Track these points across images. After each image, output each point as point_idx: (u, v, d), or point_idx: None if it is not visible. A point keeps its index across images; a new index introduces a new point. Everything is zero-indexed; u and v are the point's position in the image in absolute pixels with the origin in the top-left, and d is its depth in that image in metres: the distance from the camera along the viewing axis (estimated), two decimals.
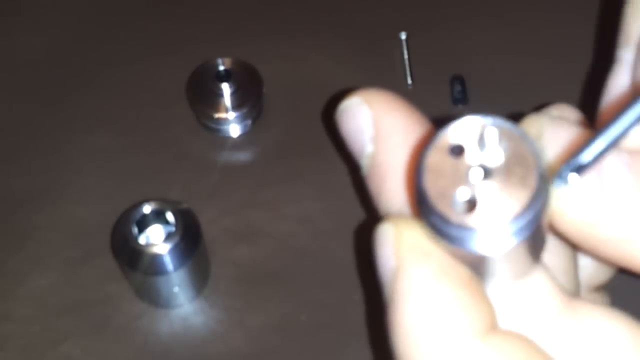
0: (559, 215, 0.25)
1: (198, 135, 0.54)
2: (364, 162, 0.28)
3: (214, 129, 0.54)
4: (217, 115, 0.53)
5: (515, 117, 0.26)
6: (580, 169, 0.23)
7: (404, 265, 0.24)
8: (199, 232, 0.47)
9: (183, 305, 0.49)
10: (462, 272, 0.24)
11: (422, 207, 0.24)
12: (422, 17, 0.59)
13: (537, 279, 0.26)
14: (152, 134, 0.55)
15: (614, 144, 0.23)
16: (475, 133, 0.24)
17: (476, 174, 0.24)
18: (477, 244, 0.23)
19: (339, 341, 0.48)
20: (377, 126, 0.27)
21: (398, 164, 0.27)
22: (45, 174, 0.53)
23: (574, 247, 0.28)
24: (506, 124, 0.24)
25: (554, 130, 0.25)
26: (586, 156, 0.23)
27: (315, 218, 0.51)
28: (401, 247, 0.25)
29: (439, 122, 0.25)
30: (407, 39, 0.57)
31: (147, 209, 0.46)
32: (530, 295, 0.26)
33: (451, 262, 0.24)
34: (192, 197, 0.50)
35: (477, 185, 0.23)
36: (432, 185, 0.24)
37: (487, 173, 0.24)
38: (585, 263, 0.34)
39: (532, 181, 0.23)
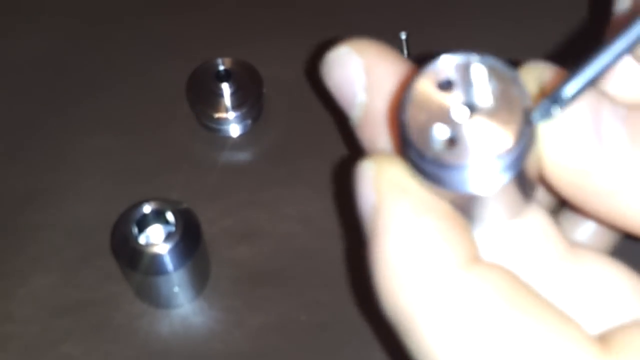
0: (551, 162, 0.24)
1: (198, 135, 0.54)
2: (355, 113, 0.27)
3: (214, 129, 0.54)
4: (217, 115, 0.53)
5: None
6: (563, 102, 0.23)
7: (383, 200, 0.24)
8: (199, 232, 0.47)
9: (183, 305, 0.49)
10: (443, 207, 0.24)
11: (403, 141, 0.24)
12: (422, 16, 0.59)
13: (536, 220, 0.25)
14: (152, 134, 0.54)
15: (596, 78, 0.22)
16: (465, 70, 0.24)
17: (461, 111, 0.23)
18: (455, 182, 0.23)
19: (339, 341, 0.48)
20: (370, 74, 0.27)
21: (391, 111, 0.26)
22: (46, 174, 0.53)
23: (564, 203, 0.27)
24: (497, 64, 0.24)
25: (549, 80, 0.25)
26: (569, 89, 0.23)
27: (315, 218, 0.51)
28: (381, 183, 0.24)
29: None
30: (407, 39, 0.57)
31: (147, 209, 0.46)
32: (529, 237, 0.25)
33: (432, 198, 0.24)
34: (192, 197, 0.50)
35: (460, 122, 0.23)
36: (413, 119, 0.23)
37: (473, 111, 0.23)
38: (583, 231, 0.34)
39: (517, 121, 0.23)
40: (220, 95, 0.53)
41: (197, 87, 0.54)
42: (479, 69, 0.23)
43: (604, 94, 0.24)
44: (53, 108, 0.56)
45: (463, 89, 0.24)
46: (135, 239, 0.45)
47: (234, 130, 0.54)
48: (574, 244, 0.26)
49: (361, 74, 0.27)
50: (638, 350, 0.23)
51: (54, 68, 0.57)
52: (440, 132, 0.23)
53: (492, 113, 0.23)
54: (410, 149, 0.23)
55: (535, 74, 0.25)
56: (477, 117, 0.23)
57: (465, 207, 0.24)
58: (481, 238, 0.25)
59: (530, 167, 0.24)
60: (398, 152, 0.25)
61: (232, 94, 0.54)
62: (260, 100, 0.54)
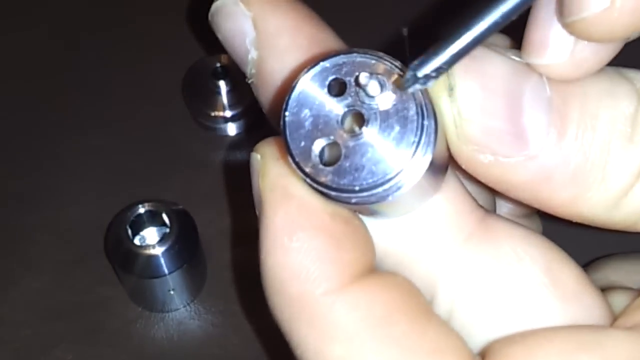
0: (467, 159, 0.23)
1: (194, 134, 0.54)
2: (249, 70, 0.25)
3: (210, 127, 0.54)
4: (213, 114, 0.53)
5: None
6: (435, 69, 0.21)
7: (264, 205, 0.23)
8: (195, 234, 0.46)
9: (178, 308, 0.48)
10: (324, 215, 0.22)
11: (286, 150, 0.22)
12: (424, 12, 0.58)
13: (445, 199, 0.24)
14: (147, 134, 0.54)
15: (468, 48, 0.21)
16: (361, 70, 0.22)
17: (351, 119, 0.22)
18: (342, 198, 0.22)
19: None
20: (259, 28, 0.25)
21: (288, 70, 0.24)
22: (38, 174, 0.53)
23: (493, 191, 0.26)
24: (392, 64, 0.22)
25: (464, 61, 0.23)
26: (438, 58, 0.21)
27: None
28: (265, 183, 0.23)
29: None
30: (408, 35, 0.56)
31: (141, 210, 0.46)
32: (435, 219, 0.24)
33: (314, 204, 0.23)
34: (187, 198, 0.50)
35: (349, 134, 0.21)
36: (296, 130, 0.22)
37: (364, 119, 0.22)
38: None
39: (411, 133, 0.21)
40: (217, 93, 0.53)
41: (193, 85, 0.53)
42: (370, 74, 0.22)
43: (527, 74, 0.23)
44: (45, 108, 0.55)
45: (353, 93, 0.22)
46: (130, 240, 0.45)
47: (231, 129, 0.54)
48: (487, 216, 0.24)
49: (250, 28, 0.25)
50: None
51: (46, 68, 0.57)
52: (325, 145, 0.22)
53: (383, 123, 0.21)
54: (291, 161, 0.22)
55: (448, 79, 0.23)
56: (368, 130, 0.21)
57: (359, 210, 0.23)
58: (384, 228, 0.24)
59: (438, 160, 0.22)
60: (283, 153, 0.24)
61: (229, 92, 0.53)
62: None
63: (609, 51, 0.23)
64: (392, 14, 0.58)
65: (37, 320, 0.48)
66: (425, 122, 0.21)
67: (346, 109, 0.22)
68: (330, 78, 0.22)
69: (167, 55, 0.57)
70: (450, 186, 0.24)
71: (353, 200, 0.22)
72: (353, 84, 0.22)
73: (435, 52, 0.21)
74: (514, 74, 0.23)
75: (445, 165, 0.24)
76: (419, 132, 0.21)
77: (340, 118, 0.22)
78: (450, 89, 0.22)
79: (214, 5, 0.26)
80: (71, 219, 0.51)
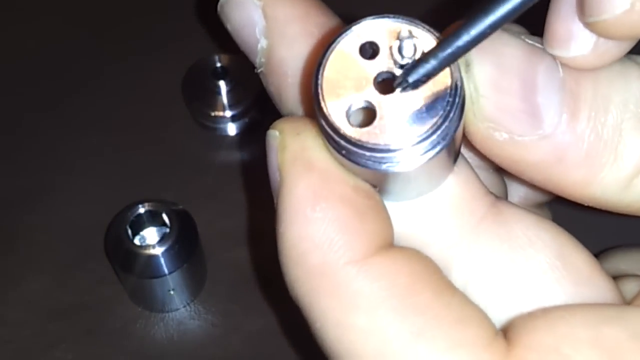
0: (482, 137, 0.23)
1: (194, 134, 0.54)
2: (258, 60, 0.25)
3: (210, 127, 0.54)
4: (214, 114, 0.53)
5: None
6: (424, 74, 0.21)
7: (285, 180, 0.23)
8: (195, 234, 0.46)
9: (179, 308, 0.48)
10: (351, 185, 0.23)
11: (316, 111, 0.22)
12: (423, 10, 0.58)
13: (457, 183, 0.24)
14: (146, 133, 0.54)
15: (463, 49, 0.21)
16: (390, 36, 0.22)
17: (383, 83, 0.22)
18: (372, 161, 0.21)
19: None
20: (269, 17, 0.25)
21: (298, 59, 0.25)
22: (38, 174, 0.52)
23: (503, 171, 0.26)
24: (429, 32, 0.22)
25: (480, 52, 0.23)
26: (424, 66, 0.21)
27: None
28: (284, 158, 0.23)
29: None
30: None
31: (141, 210, 0.46)
32: (448, 203, 0.24)
33: (338, 175, 0.23)
34: (188, 198, 0.50)
35: (382, 96, 0.21)
36: (330, 89, 0.22)
37: (396, 83, 0.22)
38: (521, 187, 0.33)
39: (443, 98, 0.21)
40: (217, 92, 0.53)
41: (193, 85, 0.53)
42: (408, 38, 0.22)
43: (541, 56, 0.23)
44: (45, 107, 0.55)
45: (386, 56, 0.22)
46: (130, 240, 0.45)
47: (231, 128, 0.54)
48: (498, 202, 0.25)
49: (260, 17, 0.25)
50: (544, 353, 0.21)
51: (47, 67, 0.57)
52: (359, 105, 0.21)
53: (417, 87, 0.21)
54: (323, 121, 0.22)
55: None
56: (400, 91, 0.21)
57: (382, 182, 0.23)
58: (399, 211, 0.24)
59: (456, 138, 0.23)
60: (309, 112, 0.23)
61: (229, 92, 0.53)
62: (258, 98, 0.53)
63: (632, 43, 0.23)
64: (391, 11, 0.58)
65: (38, 320, 0.48)
66: (457, 93, 0.22)
67: (379, 72, 0.22)
68: (363, 41, 0.22)
69: (167, 55, 0.56)
70: (462, 171, 0.24)
71: (383, 166, 0.22)
72: (387, 46, 0.22)
73: (427, 59, 0.21)
74: (528, 54, 0.23)
75: (459, 148, 0.24)
76: (450, 99, 0.21)
77: (372, 80, 0.22)
78: (467, 65, 0.23)
79: None
80: (71, 219, 0.51)
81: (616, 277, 0.28)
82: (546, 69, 0.23)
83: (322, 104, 0.22)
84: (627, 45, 0.23)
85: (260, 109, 0.54)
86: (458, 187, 0.24)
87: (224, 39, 0.60)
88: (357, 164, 0.22)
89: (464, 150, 0.25)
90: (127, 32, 0.58)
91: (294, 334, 0.47)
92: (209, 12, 0.59)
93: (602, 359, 0.21)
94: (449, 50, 0.21)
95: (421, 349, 0.21)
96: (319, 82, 0.22)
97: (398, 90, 0.22)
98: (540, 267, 0.24)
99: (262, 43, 0.25)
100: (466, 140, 0.24)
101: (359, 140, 0.21)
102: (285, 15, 0.25)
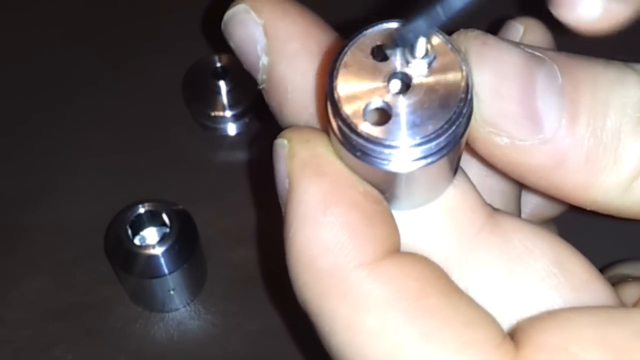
0: (484, 141, 0.24)
1: (194, 134, 0.54)
2: (260, 76, 0.26)
3: (210, 127, 0.54)
4: (213, 113, 0.53)
5: None
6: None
7: (294, 185, 0.23)
8: (195, 234, 0.46)
9: (178, 308, 0.48)
10: (360, 190, 0.23)
11: (331, 111, 0.22)
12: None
13: (456, 193, 0.25)
14: (146, 133, 0.54)
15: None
16: (400, 38, 0.22)
17: (396, 83, 0.22)
18: (382, 159, 0.22)
19: None
20: (270, 35, 0.25)
21: (298, 74, 0.25)
22: (38, 174, 0.52)
23: (502, 174, 0.27)
24: (439, 35, 0.22)
25: (479, 49, 0.24)
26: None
27: None
28: (293, 165, 0.23)
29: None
30: None
31: (141, 210, 0.46)
32: (448, 209, 0.25)
33: (348, 181, 0.23)
34: (188, 198, 0.49)
35: (395, 96, 0.22)
36: (345, 88, 0.22)
37: (409, 84, 0.22)
38: (534, 196, 0.34)
39: (455, 101, 0.22)
40: (217, 92, 0.53)
41: (193, 85, 0.53)
42: (419, 40, 0.22)
43: (540, 63, 0.24)
44: (45, 106, 0.55)
45: (398, 58, 0.22)
46: (130, 240, 0.45)
47: (231, 128, 0.54)
48: (495, 213, 0.25)
49: (261, 34, 0.25)
50: (552, 353, 0.22)
51: (46, 66, 0.57)
52: (373, 105, 0.22)
53: (428, 87, 0.22)
54: (340, 121, 0.22)
55: (463, 42, 0.24)
56: (413, 91, 0.22)
57: (392, 186, 0.23)
58: (403, 219, 0.24)
59: (462, 144, 0.23)
60: (323, 121, 0.24)
61: (229, 92, 0.53)
62: (258, 98, 0.53)
63: None
64: (390, 13, 0.58)
65: (37, 320, 0.48)
66: (469, 91, 0.22)
67: (392, 72, 0.22)
68: (375, 44, 0.22)
69: (167, 55, 0.56)
70: (460, 183, 0.25)
71: (386, 166, 0.22)
72: (398, 49, 0.22)
73: (416, 18, 0.21)
74: (527, 61, 0.23)
75: (459, 159, 0.24)
76: (463, 96, 0.22)
77: (386, 81, 0.22)
78: None
79: (227, 14, 0.26)
80: (71, 219, 0.51)
81: (618, 283, 0.28)
82: (545, 75, 0.23)
83: (339, 104, 0.22)
84: (638, 4, 0.23)
85: (260, 109, 0.54)
86: (456, 199, 0.25)
87: (224, 39, 0.60)
88: (371, 164, 0.22)
89: (468, 159, 0.25)
90: (128, 32, 0.58)
91: (293, 334, 0.47)
92: (210, 12, 0.59)
93: (609, 358, 0.21)
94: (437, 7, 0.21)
95: (431, 350, 0.22)
96: (334, 84, 0.22)
97: (416, 90, 0.22)
98: (539, 275, 0.24)
99: (263, 60, 0.26)
100: (472, 150, 0.25)
101: (377, 138, 0.21)
102: (286, 33, 0.25)
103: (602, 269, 0.40)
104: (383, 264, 0.22)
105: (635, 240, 0.47)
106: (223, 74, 0.53)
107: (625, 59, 0.25)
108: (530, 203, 0.35)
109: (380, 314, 0.22)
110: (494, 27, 0.31)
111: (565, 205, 0.35)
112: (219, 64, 0.53)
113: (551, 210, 0.35)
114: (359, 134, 0.22)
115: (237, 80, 0.53)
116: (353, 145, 0.22)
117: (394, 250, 0.23)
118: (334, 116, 0.22)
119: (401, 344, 0.22)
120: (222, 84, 0.53)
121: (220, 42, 0.60)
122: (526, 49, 0.24)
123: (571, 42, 0.28)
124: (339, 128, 0.22)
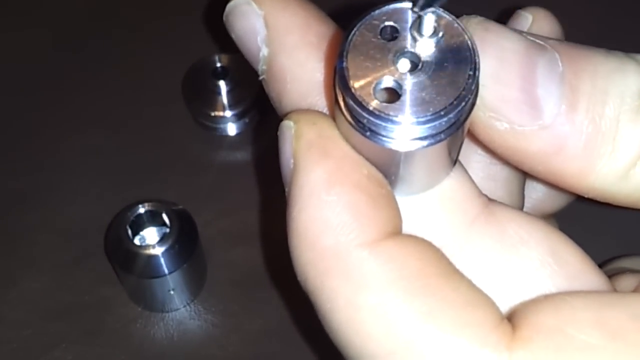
0: (484, 126, 0.24)
1: (194, 134, 0.54)
2: (260, 67, 0.26)
3: (210, 127, 0.54)
4: (213, 114, 0.53)
5: None
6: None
7: (299, 166, 0.23)
8: (195, 234, 0.46)
9: (178, 308, 0.48)
10: (364, 172, 0.23)
11: (341, 89, 0.22)
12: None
13: (453, 182, 0.25)
14: (146, 133, 0.54)
15: None
16: (408, 18, 0.23)
17: (405, 62, 0.22)
18: (391, 137, 0.22)
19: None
20: (270, 26, 0.26)
21: (297, 65, 0.25)
22: (37, 174, 0.52)
23: (504, 161, 0.27)
24: (447, 16, 0.23)
25: (481, 34, 0.24)
26: None
27: None
28: (299, 146, 0.24)
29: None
30: None
31: (141, 210, 0.46)
32: (444, 199, 0.25)
33: (353, 163, 0.23)
34: (188, 198, 0.50)
35: (403, 75, 0.22)
36: (354, 66, 0.22)
37: (417, 63, 0.22)
38: (536, 191, 0.34)
39: (462, 81, 0.22)
40: (217, 92, 0.53)
41: (193, 85, 0.53)
42: (427, 20, 0.22)
43: (541, 50, 0.24)
44: (45, 107, 0.55)
45: (406, 38, 0.23)
46: (130, 240, 0.45)
47: (231, 128, 0.54)
48: (490, 203, 0.25)
49: (261, 25, 0.26)
50: (549, 333, 0.22)
51: (45, 66, 0.57)
52: (382, 83, 0.22)
53: (436, 67, 0.22)
54: (351, 100, 0.22)
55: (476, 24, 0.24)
56: (421, 70, 0.22)
57: (391, 166, 0.23)
58: (404, 203, 0.25)
59: (465, 127, 0.23)
60: (330, 104, 0.24)
61: (229, 92, 0.53)
62: (258, 98, 0.53)
63: None
64: None
65: (37, 320, 0.48)
66: (475, 73, 0.22)
67: (400, 51, 0.22)
68: (383, 25, 0.23)
69: (167, 55, 0.56)
70: (456, 173, 0.25)
71: (389, 144, 0.22)
72: (407, 28, 0.23)
73: None
74: (528, 48, 0.24)
75: (459, 148, 0.25)
76: (471, 71, 0.22)
77: (394, 59, 0.22)
78: None
79: (228, 6, 0.27)
80: (71, 219, 0.51)
81: (615, 275, 0.28)
82: (546, 62, 0.24)
83: (349, 82, 0.22)
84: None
85: (260, 109, 0.54)
86: (451, 189, 0.25)
87: (224, 39, 0.60)
88: (376, 142, 0.22)
89: (472, 147, 0.25)
90: (128, 32, 0.58)
91: (293, 334, 0.47)
92: (209, 12, 0.59)
93: (604, 339, 0.22)
94: None
95: (430, 329, 0.22)
96: (344, 63, 0.22)
97: (424, 68, 0.22)
98: (533, 264, 0.24)
99: (264, 51, 0.26)
100: (473, 137, 0.25)
101: (384, 113, 0.22)
102: (286, 24, 0.26)
103: (601, 265, 0.40)
104: (384, 244, 0.23)
105: (634, 237, 0.47)
106: (223, 74, 0.53)
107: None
108: (532, 198, 0.35)
109: (381, 292, 0.22)
110: (503, 16, 0.31)
111: (566, 201, 0.36)
112: (219, 64, 0.53)
113: (552, 205, 0.36)
114: (367, 110, 0.22)
115: (237, 80, 0.53)
116: (361, 124, 0.22)
117: (396, 232, 0.23)
118: (344, 93, 0.22)
119: (401, 321, 0.22)
120: (222, 84, 0.53)
121: (220, 43, 0.60)
122: (528, 37, 0.24)
123: (579, 34, 0.28)
124: (348, 105, 0.22)
